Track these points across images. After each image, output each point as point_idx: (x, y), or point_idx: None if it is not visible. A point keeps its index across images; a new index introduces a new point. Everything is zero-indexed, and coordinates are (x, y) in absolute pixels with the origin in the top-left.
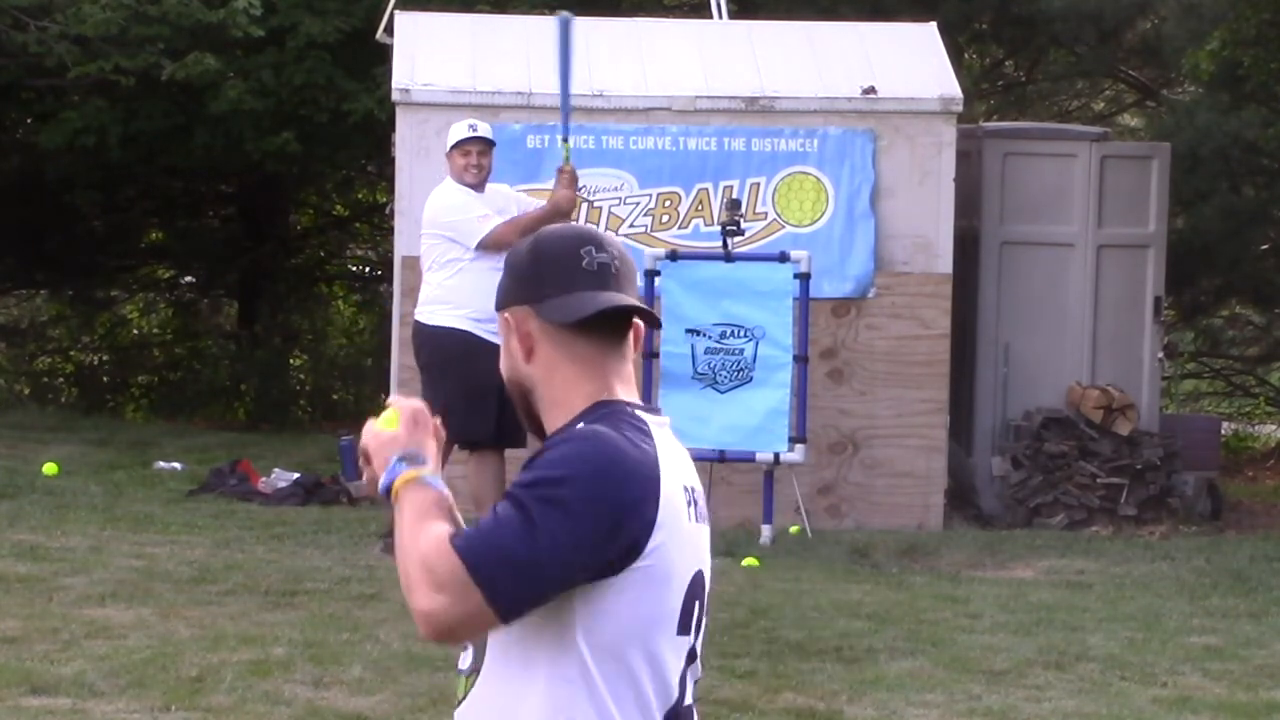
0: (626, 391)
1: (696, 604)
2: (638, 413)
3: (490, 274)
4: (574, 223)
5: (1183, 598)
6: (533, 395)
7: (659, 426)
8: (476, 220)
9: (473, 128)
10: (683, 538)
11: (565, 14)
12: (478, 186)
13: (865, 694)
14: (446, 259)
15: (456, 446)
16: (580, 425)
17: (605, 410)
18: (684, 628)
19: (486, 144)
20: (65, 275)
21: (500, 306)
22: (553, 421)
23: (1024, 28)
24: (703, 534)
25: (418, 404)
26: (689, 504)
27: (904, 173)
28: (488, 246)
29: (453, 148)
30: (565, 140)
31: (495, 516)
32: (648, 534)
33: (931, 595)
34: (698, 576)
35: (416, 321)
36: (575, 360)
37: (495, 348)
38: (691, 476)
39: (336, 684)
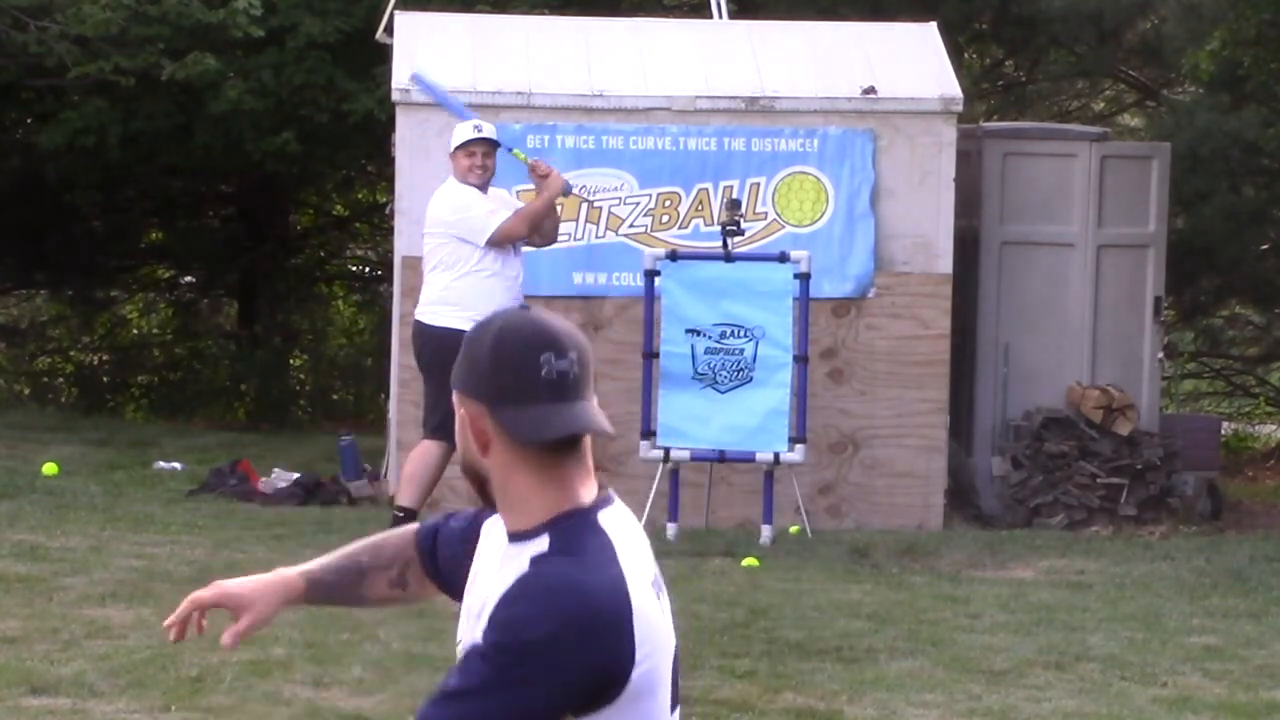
0: (586, 487)
1: (677, 675)
2: (597, 518)
3: (496, 276)
4: (534, 318)
5: (1183, 598)
6: (489, 485)
7: (615, 520)
8: (485, 215)
9: (478, 129)
10: (662, 637)
11: (415, 75)
12: (482, 187)
13: (865, 694)
14: (454, 260)
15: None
16: (544, 546)
17: (566, 525)
18: (675, 703)
19: (491, 145)
20: (65, 275)
21: (455, 387)
22: (512, 521)
23: (1024, 28)
24: (668, 610)
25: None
26: (657, 595)
27: (904, 173)
28: (497, 240)
29: (457, 148)
30: (511, 150)
31: (460, 686)
32: (629, 669)
33: (931, 595)
34: (675, 652)
35: (418, 322)
36: (533, 470)
37: None
38: (649, 559)
39: (336, 684)
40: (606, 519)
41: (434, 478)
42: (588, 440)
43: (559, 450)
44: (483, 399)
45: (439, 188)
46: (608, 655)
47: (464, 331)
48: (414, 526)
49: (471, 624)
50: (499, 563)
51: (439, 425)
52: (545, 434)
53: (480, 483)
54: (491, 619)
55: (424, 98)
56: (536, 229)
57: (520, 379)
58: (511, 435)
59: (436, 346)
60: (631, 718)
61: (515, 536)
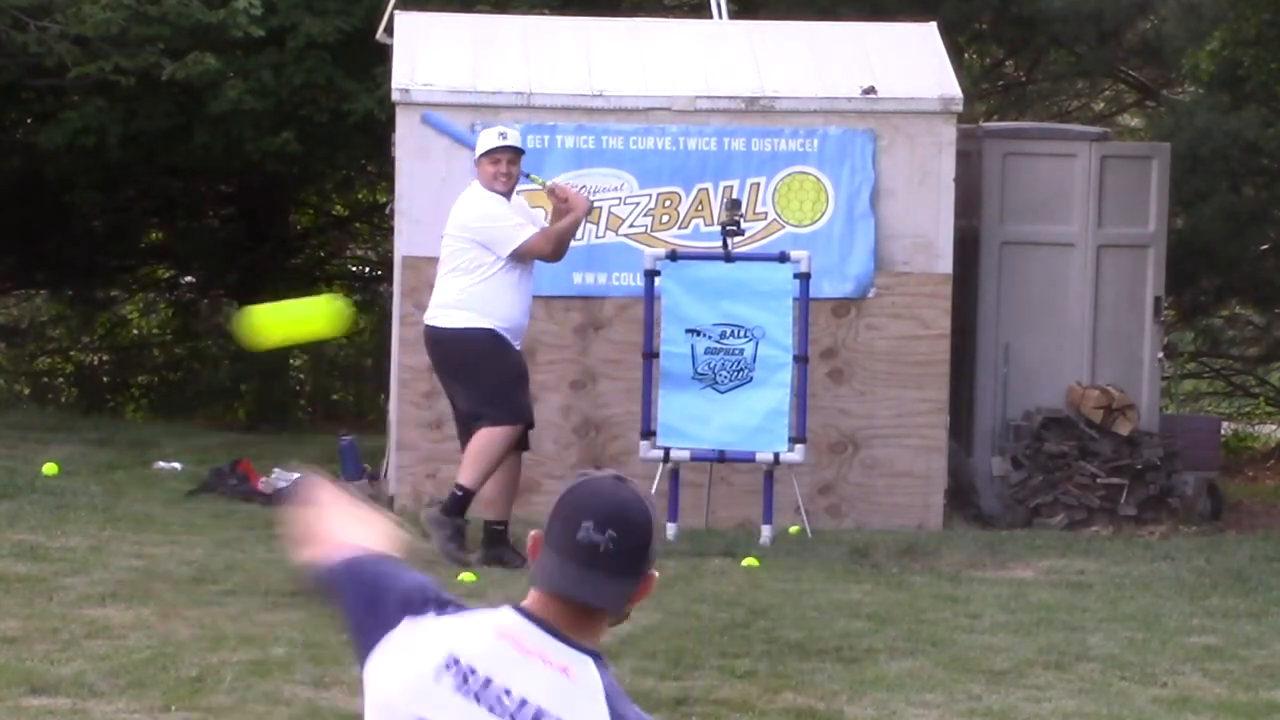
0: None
1: None
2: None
3: (513, 284)
4: (622, 482)
5: (1183, 598)
6: None
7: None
8: (514, 228)
9: (503, 135)
10: (399, 695)
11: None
12: (507, 195)
13: (865, 694)
14: (474, 265)
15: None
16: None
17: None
18: None
19: (516, 152)
20: (65, 275)
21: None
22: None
23: (1024, 28)
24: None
25: None
26: (455, 693)
27: (904, 173)
28: (522, 255)
29: (482, 155)
30: (529, 176)
31: None
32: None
33: (931, 595)
34: None
35: (434, 326)
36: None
37: (519, 351)
38: (494, 657)
39: (336, 684)
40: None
41: (498, 460)
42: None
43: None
44: (545, 528)
45: (465, 192)
46: (407, 581)
47: (480, 329)
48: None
49: None
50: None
51: (494, 412)
52: (538, 584)
53: None
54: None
55: (424, 98)
56: (561, 251)
57: (562, 527)
58: (532, 577)
59: (461, 346)
60: None
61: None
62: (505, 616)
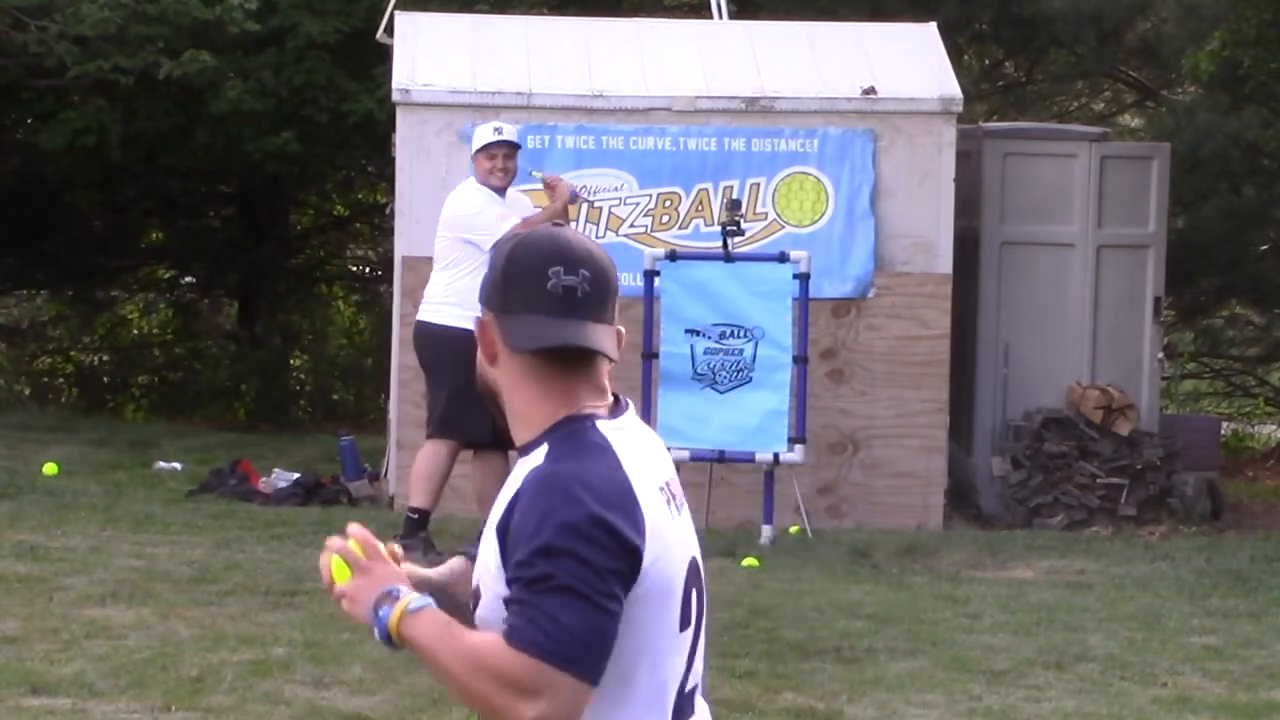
0: (594, 397)
1: (694, 593)
2: (598, 425)
3: None
4: (563, 229)
5: (1183, 598)
6: (499, 398)
7: (617, 432)
8: (494, 219)
9: (498, 131)
10: (671, 541)
11: None
12: (502, 190)
13: (865, 694)
14: (461, 260)
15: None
16: (541, 457)
17: (564, 431)
18: (684, 623)
19: (512, 147)
20: (65, 275)
21: (479, 300)
22: (518, 434)
23: (1024, 28)
24: (687, 523)
25: (355, 536)
26: (668, 502)
27: (904, 173)
28: None
29: (478, 151)
30: (532, 173)
31: (524, 605)
32: (639, 559)
33: (931, 595)
34: (692, 566)
35: (420, 321)
36: (536, 379)
37: None
38: (664, 469)
39: (336, 684)
40: (609, 428)
41: (444, 475)
42: (601, 363)
43: (564, 364)
44: (492, 306)
45: (456, 187)
46: (628, 528)
47: (462, 331)
48: None
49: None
50: (511, 480)
51: (440, 423)
52: (538, 341)
53: (494, 395)
54: (503, 542)
55: (424, 98)
56: None
57: (527, 284)
58: (508, 341)
59: (437, 345)
60: (640, 626)
61: (521, 450)
62: (613, 428)
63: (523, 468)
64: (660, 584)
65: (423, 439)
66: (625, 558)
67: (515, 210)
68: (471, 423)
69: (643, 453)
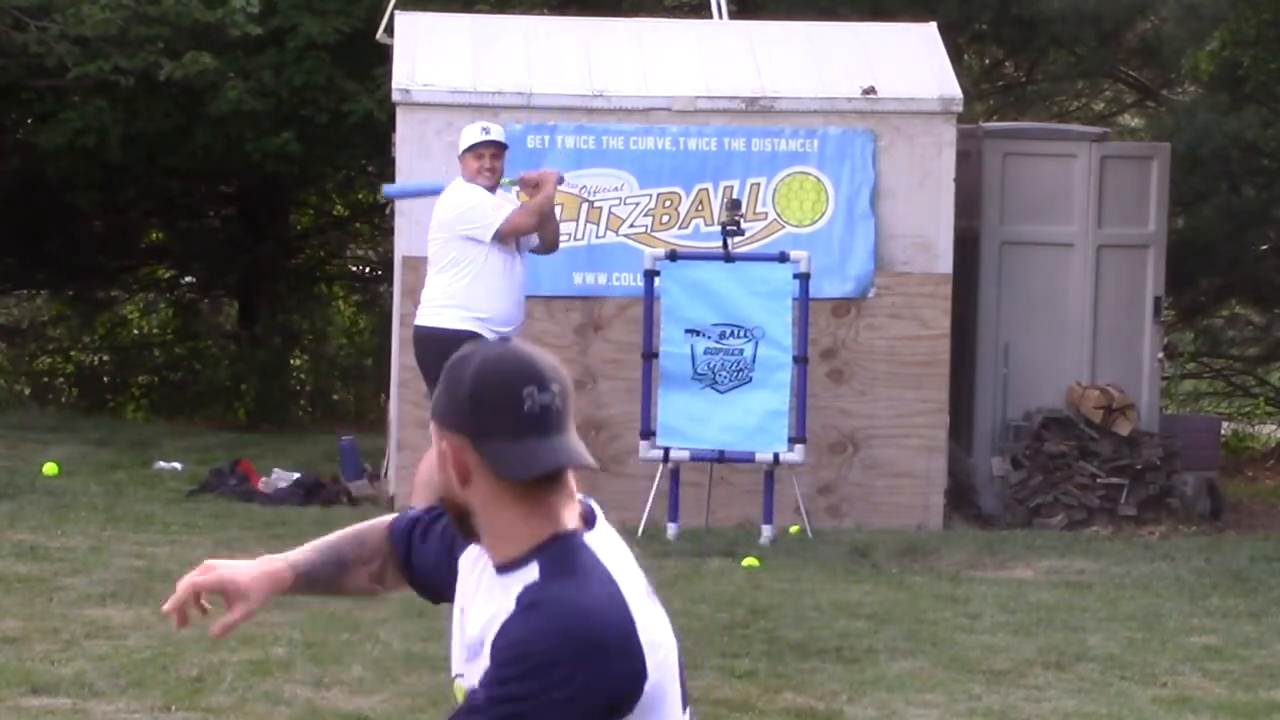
0: (570, 512)
1: (684, 676)
2: (584, 540)
3: (502, 278)
4: (515, 351)
5: (1183, 598)
6: (471, 518)
7: (601, 539)
8: (491, 209)
9: (485, 130)
10: (665, 644)
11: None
12: (490, 189)
13: (865, 694)
14: (459, 260)
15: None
16: (534, 574)
17: (556, 550)
18: (685, 703)
19: (499, 147)
20: (65, 275)
21: (434, 418)
22: (500, 551)
23: (1024, 28)
24: (664, 615)
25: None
26: (650, 600)
27: (904, 173)
28: (504, 234)
29: (465, 151)
30: (506, 182)
31: (477, 711)
32: (641, 683)
33: (931, 595)
34: (679, 655)
35: (420, 326)
36: (518, 501)
37: None
38: (639, 571)
39: (336, 684)
40: (593, 540)
41: None
42: (570, 474)
43: (547, 482)
44: (465, 432)
45: (446, 189)
46: (617, 673)
47: (468, 333)
48: (387, 519)
49: (469, 659)
50: (488, 595)
51: None
52: (532, 470)
53: (461, 515)
54: (494, 651)
55: (424, 98)
56: (544, 223)
57: (503, 413)
58: (497, 471)
59: (439, 349)
60: (656, 712)
61: (503, 568)
62: (596, 539)
63: (514, 584)
64: (661, 689)
65: (423, 439)
66: (597, 698)
67: (507, 205)
68: None
69: (624, 560)
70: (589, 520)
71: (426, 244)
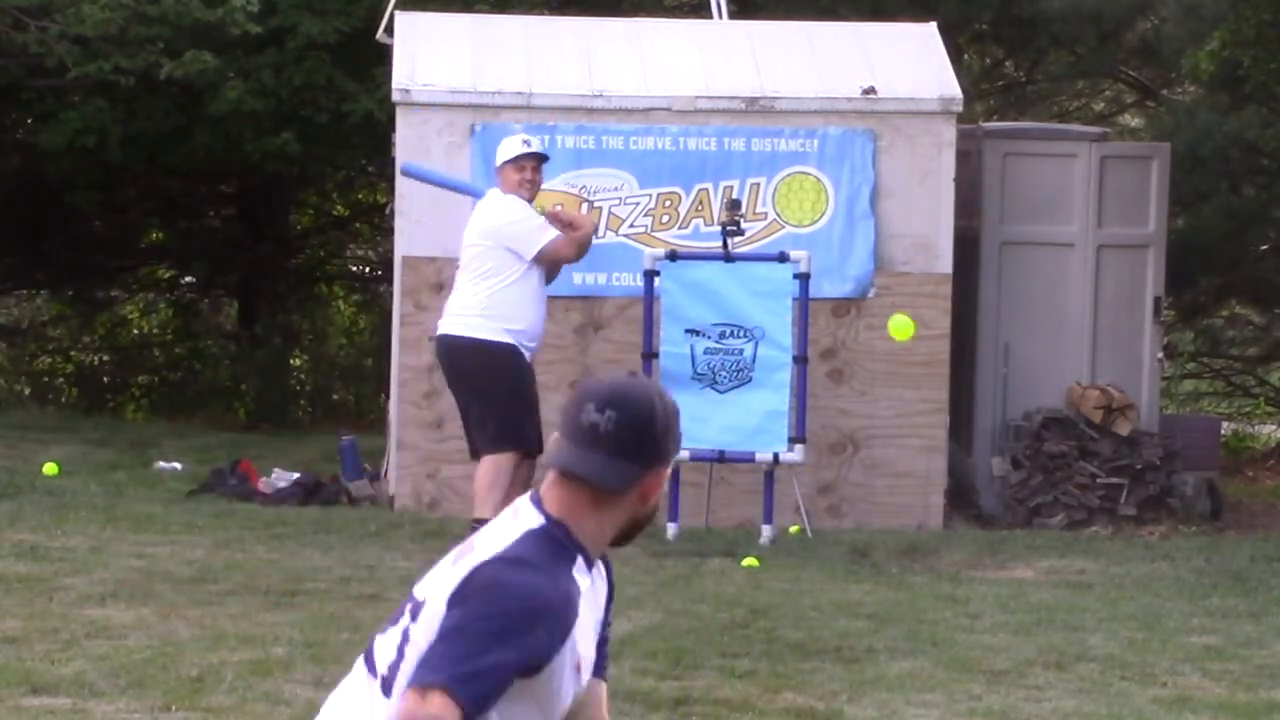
0: None
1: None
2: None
3: (533, 290)
4: (634, 376)
5: (1183, 598)
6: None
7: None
8: (538, 229)
9: (526, 143)
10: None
11: (405, 166)
12: (530, 201)
13: (865, 694)
14: (497, 271)
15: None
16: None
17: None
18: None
19: (541, 159)
20: (65, 275)
21: (663, 461)
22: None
23: (1024, 28)
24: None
25: None
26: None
27: (904, 173)
28: (545, 257)
29: (506, 163)
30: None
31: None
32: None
33: (931, 595)
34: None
35: (454, 335)
36: None
37: (530, 364)
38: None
39: (336, 684)
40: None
41: (507, 485)
42: None
43: None
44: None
45: (484, 200)
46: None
47: (507, 344)
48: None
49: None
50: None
51: (498, 436)
52: (548, 462)
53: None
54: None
55: (424, 98)
56: (581, 257)
57: (565, 417)
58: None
59: (474, 359)
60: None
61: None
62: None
63: (525, 517)
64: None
65: (423, 440)
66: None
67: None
68: (533, 431)
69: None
70: None
71: (427, 244)
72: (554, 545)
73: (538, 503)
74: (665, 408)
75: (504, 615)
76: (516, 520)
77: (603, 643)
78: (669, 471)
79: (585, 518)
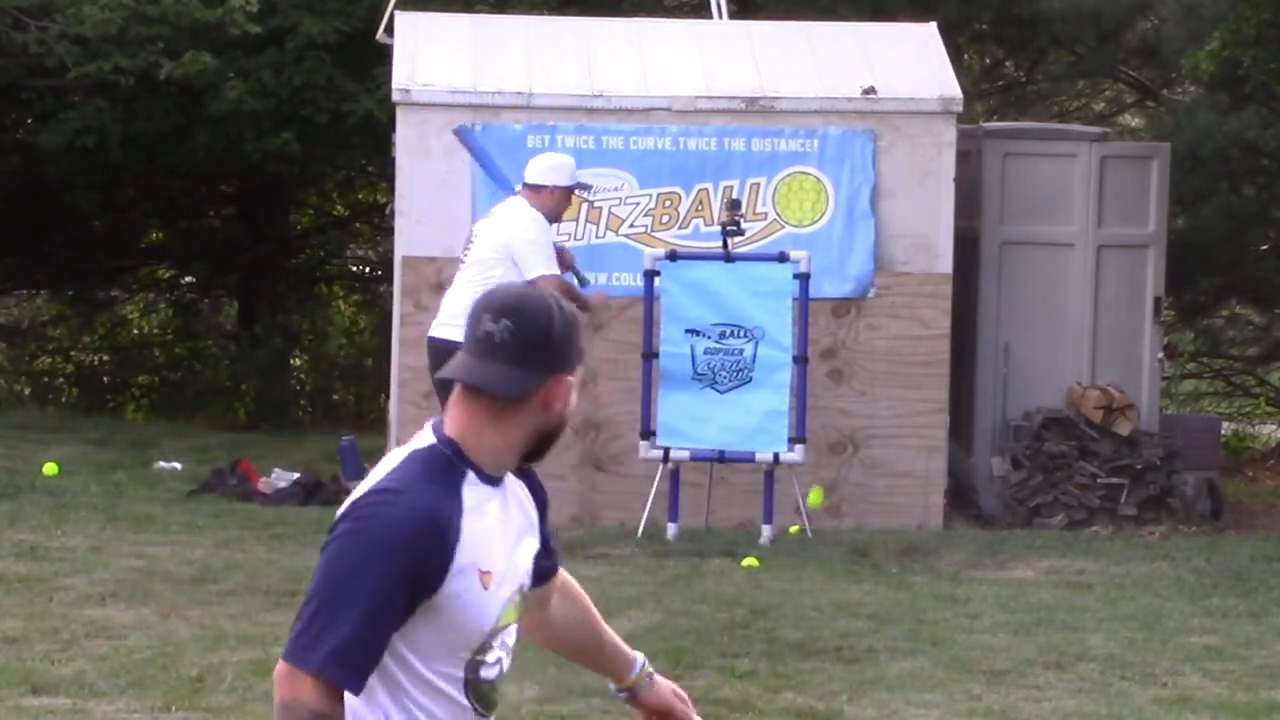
0: None
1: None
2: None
3: None
4: (533, 285)
5: (1183, 598)
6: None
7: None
8: (545, 261)
9: (575, 175)
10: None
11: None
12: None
13: (865, 694)
14: (505, 279)
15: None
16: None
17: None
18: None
19: (584, 189)
20: (65, 275)
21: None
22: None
23: (1024, 28)
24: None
25: None
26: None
27: (904, 173)
28: (538, 285)
29: (559, 186)
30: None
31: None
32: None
33: (931, 595)
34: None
35: (444, 339)
36: None
37: None
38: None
39: None
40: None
41: None
42: None
43: None
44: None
45: (507, 208)
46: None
47: None
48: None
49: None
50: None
51: None
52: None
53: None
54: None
55: (424, 98)
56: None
57: (465, 331)
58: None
59: None
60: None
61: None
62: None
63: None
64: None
65: None
66: None
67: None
68: None
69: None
70: None
71: (427, 244)
72: (441, 464)
73: (438, 424)
74: (564, 315)
75: (367, 556)
76: (409, 444)
77: (547, 547)
78: (573, 379)
79: (486, 431)
